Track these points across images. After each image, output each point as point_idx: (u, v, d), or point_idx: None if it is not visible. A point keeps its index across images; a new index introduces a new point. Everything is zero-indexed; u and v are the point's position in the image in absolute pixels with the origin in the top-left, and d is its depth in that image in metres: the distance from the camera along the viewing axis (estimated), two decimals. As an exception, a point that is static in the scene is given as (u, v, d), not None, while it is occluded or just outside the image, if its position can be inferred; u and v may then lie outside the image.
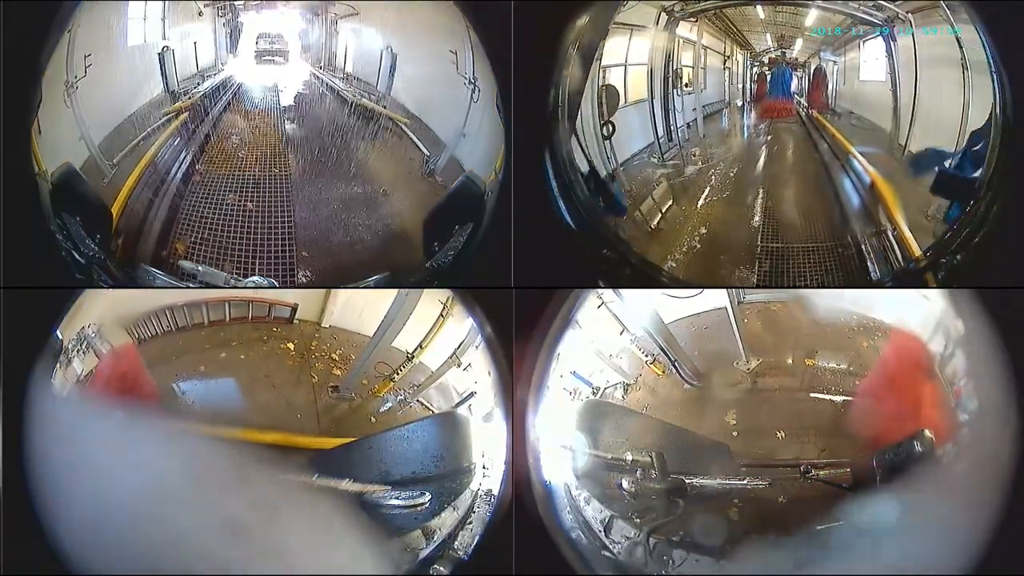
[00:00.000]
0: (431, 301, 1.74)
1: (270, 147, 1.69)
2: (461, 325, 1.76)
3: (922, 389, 1.61)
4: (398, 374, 1.66)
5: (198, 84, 1.70)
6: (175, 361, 1.58)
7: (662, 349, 1.66)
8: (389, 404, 1.64)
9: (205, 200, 1.69)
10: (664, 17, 1.75)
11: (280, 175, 1.69)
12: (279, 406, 1.57)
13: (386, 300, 1.70)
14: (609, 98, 1.79)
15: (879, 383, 1.60)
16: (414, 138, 1.75)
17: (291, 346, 1.61)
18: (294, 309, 1.64)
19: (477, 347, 1.77)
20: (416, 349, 1.69)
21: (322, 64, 1.71)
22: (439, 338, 1.72)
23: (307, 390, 1.59)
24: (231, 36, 1.71)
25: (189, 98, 1.70)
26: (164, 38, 1.71)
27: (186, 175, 1.69)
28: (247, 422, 1.54)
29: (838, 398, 1.58)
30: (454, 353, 1.73)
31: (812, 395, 1.59)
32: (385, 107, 1.72)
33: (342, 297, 1.68)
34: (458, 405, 1.71)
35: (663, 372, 1.66)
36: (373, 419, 1.61)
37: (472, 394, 1.73)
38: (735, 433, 1.58)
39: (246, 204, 1.68)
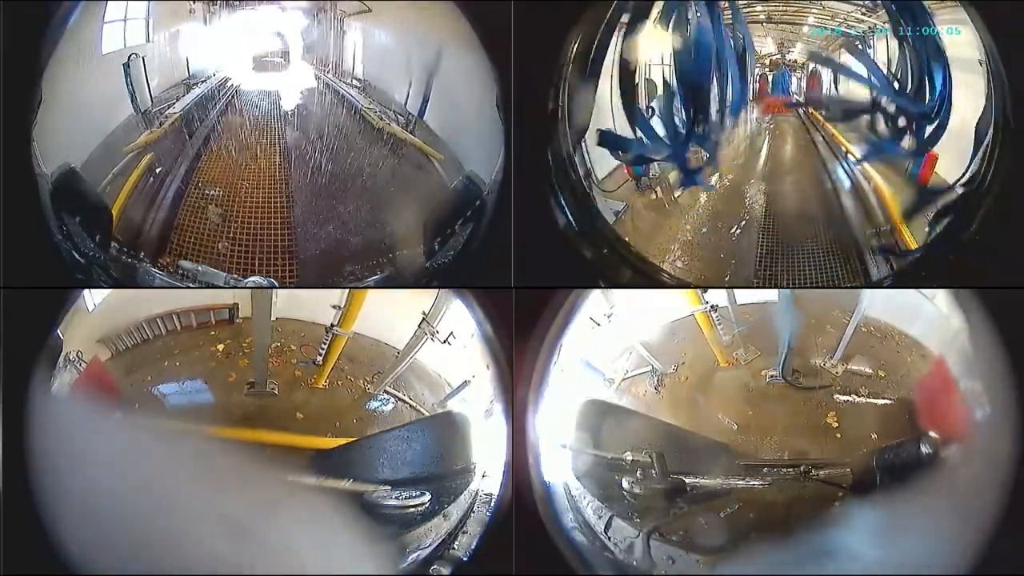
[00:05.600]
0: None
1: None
2: (424, 297, 1.72)
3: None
4: (321, 354, 1.60)
5: (177, 99, 1.64)
6: (134, 373, 1.59)
7: (788, 339, 1.62)
8: (375, 405, 1.62)
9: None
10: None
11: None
12: (194, 409, 1.56)
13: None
14: (648, 86, 1.81)
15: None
16: (443, 175, 1.74)
17: (220, 347, 1.59)
18: (231, 309, 1.62)
19: (463, 324, 1.73)
20: (339, 320, 1.62)
21: (330, 70, 1.68)
22: (386, 311, 1.68)
23: (224, 389, 1.57)
24: (225, 36, 1.66)
25: (160, 124, 1.64)
26: (149, 41, 1.64)
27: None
28: (176, 426, 1.54)
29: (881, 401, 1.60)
30: (424, 319, 1.68)
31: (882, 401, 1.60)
32: (414, 133, 1.70)
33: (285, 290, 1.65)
34: (451, 396, 1.71)
35: (731, 364, 1.65)
36: (300, 415, 1.57)
37: (466, 383, 1.72)
38: (839, 435, 1.58)
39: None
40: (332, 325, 1.63)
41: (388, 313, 1.69)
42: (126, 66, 1.63)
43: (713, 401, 1.64)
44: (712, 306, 1.68)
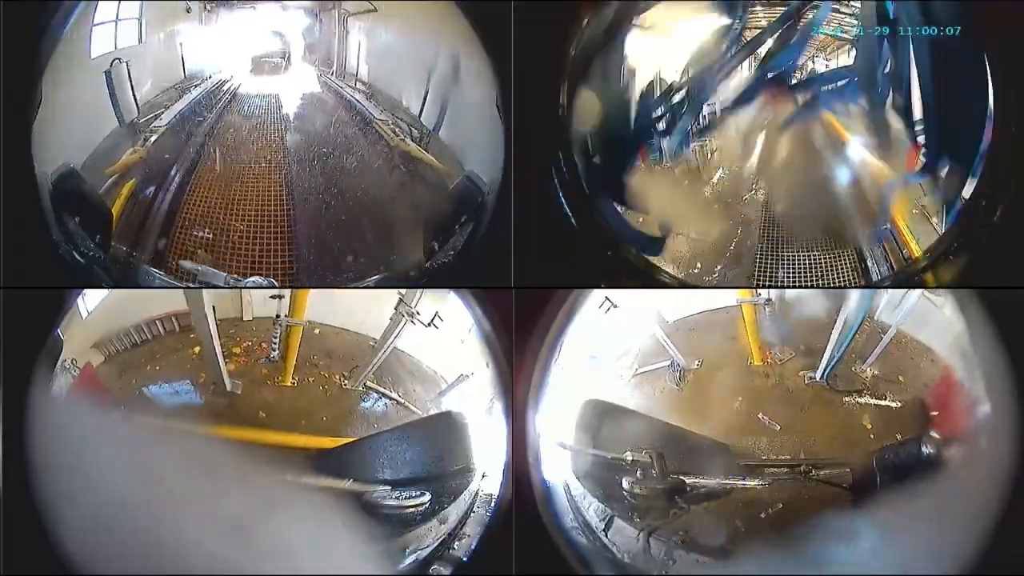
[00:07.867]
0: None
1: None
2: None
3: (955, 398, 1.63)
4: (275, 348, 1.58)
5: (166, 108, 1.61)
6: (123, 377, 1.60)
7: (847, 343, 1.60)
8: (363, 404, 1.61)
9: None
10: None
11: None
12: (175, 410, 1.56)
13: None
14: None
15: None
16: (444, 176, 1.72)
17: (197, 349, 1.59)
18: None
19: (462, 323, 1.72)
20: (289, 311, 1.59)
21: (333, 72, 1.67)
22: (372, 307, 1.66)
23: (199, 391, 1.57)
24: (223, 36, 1.64)
25: (145, 141, 1.61)
26: (141, 42, 1.61)
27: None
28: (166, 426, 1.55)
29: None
30: (400, 300, 1.64)
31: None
32: (427, 148, 1.68)
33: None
34: (445, 393, 1.70)
35: (766, 362, 1.64)
36: (263, 414, 1.56)
37: (461, 378, 1.70)
38: (872, 436, 1.58)
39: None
40: (278, 316, 1.60)
41: (374, 308, 1.68)
42: (108, 74, 1.60)
43: (746, 400, 1.63)
44: (767, 299, 1.67)
